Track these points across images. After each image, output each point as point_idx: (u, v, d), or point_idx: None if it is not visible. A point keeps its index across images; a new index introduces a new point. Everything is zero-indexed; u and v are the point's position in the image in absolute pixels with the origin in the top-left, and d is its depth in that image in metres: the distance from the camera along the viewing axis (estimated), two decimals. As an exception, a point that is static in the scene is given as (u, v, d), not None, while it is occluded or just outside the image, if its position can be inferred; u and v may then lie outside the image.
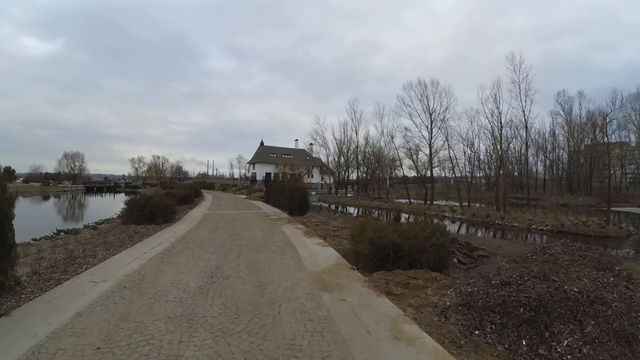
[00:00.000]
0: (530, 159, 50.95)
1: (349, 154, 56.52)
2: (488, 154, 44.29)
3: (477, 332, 4.15)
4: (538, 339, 3.94)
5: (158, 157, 78.93)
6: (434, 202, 37.78)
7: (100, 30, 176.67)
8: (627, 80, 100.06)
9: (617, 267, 5.68)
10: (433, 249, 6.44)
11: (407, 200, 40.33)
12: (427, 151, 38.71)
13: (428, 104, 37.56)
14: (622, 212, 31.94)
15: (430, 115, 37.40)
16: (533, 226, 23.75)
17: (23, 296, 4.84)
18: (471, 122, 36.23)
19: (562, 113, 56.03)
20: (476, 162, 42.27)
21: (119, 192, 65.16)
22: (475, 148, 37.32)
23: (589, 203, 44.35)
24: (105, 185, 77.42)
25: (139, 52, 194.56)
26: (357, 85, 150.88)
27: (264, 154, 74.48)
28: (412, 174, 51.67)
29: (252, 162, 76.04)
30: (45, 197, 51.38)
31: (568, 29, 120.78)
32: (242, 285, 5.29)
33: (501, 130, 30.14)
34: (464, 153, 37.83)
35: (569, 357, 3.66)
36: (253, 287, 5.15)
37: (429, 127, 37.54)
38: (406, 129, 40.95)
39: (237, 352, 3.31)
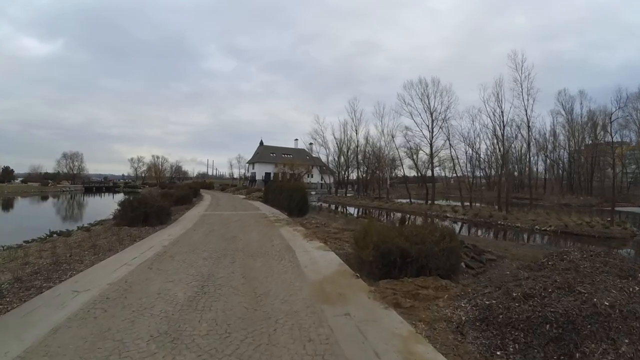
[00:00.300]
0: (530, 158, 50.44)
1: (349, 154, 56.11)
2: (488, 153, 43.96)
3: (499, 353, 3.68)
4: (567, 360, 3.49)
5: (157, 157, 78.74)
6: (435, 202, 37.32)
7: (100, 30, 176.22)
8: (627, 80, 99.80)
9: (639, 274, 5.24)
10: (442, 254, 5.97)
11: (408, 200, 39.86)
12: (427, 150, 38.27)
13: (429, 103, 37.08)
14: (624, 212, 31.48)
15: (431, 114, 36.93)
16: (536, 227, 23.34)
17: (0, 307, 4.46)
18: (473, 121, 35.91)
19: (563, 112, 55.62)
20: (477, 162, 41.90)
21: (118, 192, 64.72)
22: (477, 147, 36.92)
23: (590, 203, 44.07)
24: (104, 186, 77.08)
25: (138, 52, 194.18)
26: (356, 85, 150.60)
27: (264, 153, 74.04)
28: (412, 173, 51.39)
29: (252, 162, 75.60)
30: (44, 198, 50.97)
31: (568, 28, 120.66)
32: (236, 296, 4.80)
33: (503, 130, 29.75)
34: (465, 153, 37.38)
35: (606, 383, 3.22)
36: (247, 299, 4.67)
37: (430, 126, 37.07)
38: (407, 128, 40.53)
39: (225, 382, 2.84)
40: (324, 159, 61.25)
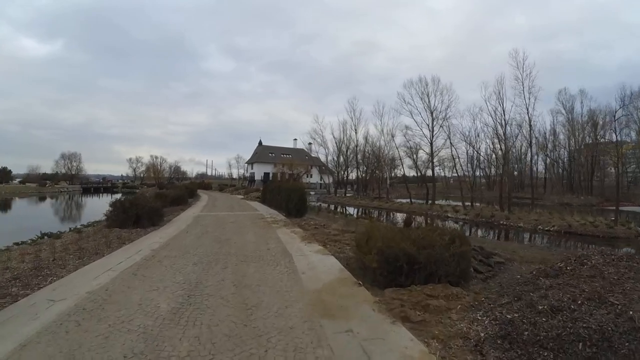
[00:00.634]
0: (532, 157, 50.03)
1: (348, 153, 55.67)
2: (488, 153, 43.53)
3: (527, 379, 3.18)
4: (607, 387, 3.00)
5: (156, 157, 78.32)
6: (435, 202, 36.86)
7: (100, 30, 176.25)
8: (628, 80, 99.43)
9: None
10: (453, 259, 5.47)
11: (408, 200, 39.40)
12: (428, 150, 37.83)
13: (429, 102, 36.63)
14: (625, 211, 31.00)
15: (432, 113, 36.48)
16: (539, 227, 22.92)
17: (-28, 317, 3.98)
18: (474, 120, 35.38)
19: (563, 111, 55.29)
20: (476, 162, 41.42)
21: (116, 192, 64.30)
22: (477, 147, 36.48)
23: (591, 202, 43.81)
24: (102, 186, 76.72)
25: (138, 52, 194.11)
26: (356, 85, 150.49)
27: (262, 153, 73.56)
28: (412, 173, 50.95)
29: (251, 162, 75.12)
30: (42, 198, 50.96)
31: (567, 28, 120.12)
32: (224, 308, 4.28)
33: (505, 128, 29.30)
34: (467, 152, 36.93)
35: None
36: (237, 312, 4.14)
37: (430, 125, 36.62)
38: (407, 127, 40.13)
39: None
40: (323, 158, 60.79)
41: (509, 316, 3.97)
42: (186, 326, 3.79)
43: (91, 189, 70.96)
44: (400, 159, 45.90)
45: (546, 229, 22.41)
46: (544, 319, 3.65)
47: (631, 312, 3.60)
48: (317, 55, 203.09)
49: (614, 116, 34.48)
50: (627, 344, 3.28)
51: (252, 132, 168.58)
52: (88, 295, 4.89)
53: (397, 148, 44.44)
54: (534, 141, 36.06)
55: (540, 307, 3.91)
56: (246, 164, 77.95)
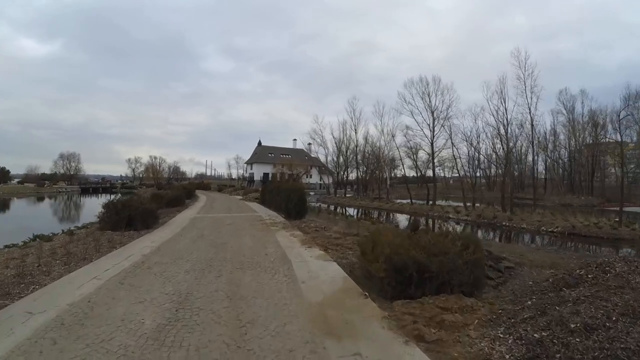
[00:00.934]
0: (530, 158, 49.70)
1: (348, 154, 55.19)
2: (488, 153, 43.13)
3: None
4: None
5: (155, 158, 77.52)
6: (436, 203, 36.44)
7: (99, 30, 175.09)
8: (627, 79, 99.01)
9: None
10: (466, 267, 5.03)
11: (409, 201, 38.98)
12: (428, 150, 37.40)
13: (430, 102, 36.20)
14: (626, 212, 30.54)
15: (432, 113, 36.04)
16: (543, 228, 22.53)
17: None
18: (475, 120, 34.97)
19: (564, 111, 54.83)
20: (476, 162, 41.02)
21: (115, 192, 63.93)
22: (479, 147, 36.10)
23: (592, 203, 43.48)
24: (101, 186, 76.25)
25: (138, 52, 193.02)
26: (356, 85, 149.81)
27: (262, 153, 73.12)
28: (412, 173, 50.50)
29: (250, 162, 74.64)
30: (40, 199, 50.77)
31: (567, 28, 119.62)
32: (215, 325, 3.82)
33: (507, 128, 28.90)
34: (468, 152, 36.53)
35: None
36: (230, 330, 3.69)
37: (431, 125, 36.18)
38: (407, 127, 39.65)
39: None
40: (322, 159, 60.29)
41: (536, 335, 3.53)
42: (171, 347, 3.34)
43: (90, 189, 70.49)
44: (401, 159, 45.48)
45: (549, 230, 22.03)
46: (577, 340, 3.22)
47: (674, 331, 3.18)
48: (317, 55, 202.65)
49: (618, 115, 33.97)
50: (673, 368, 2.87)
51: (251, 132, 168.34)
52: (69, 308, 4.46)
53: (397, 148, 44.04)
54: (535, 141, 35.66)
55: (572, 325, 3.48)
56: (245, 164, 77.49)
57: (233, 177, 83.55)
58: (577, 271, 5.73)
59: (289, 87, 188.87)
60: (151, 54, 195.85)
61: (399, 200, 42.92)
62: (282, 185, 21.74)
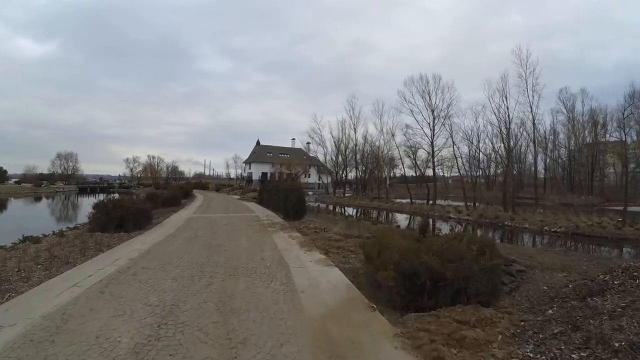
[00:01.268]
0: (530, 157, 49.38)
1: (347, 153, 54.69)
2: (488, 152, 42.72)
3: None
4: None
5: (153, 157, 77.10)
6: (436, 202, 36.00)
7: (97, 31, 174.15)
8: (624, 79, 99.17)
9: None
10: (484, 275, 4.52)
11: (408, 201, 38.51)
12: (428, 149, 36.93)
13: (430, 100, 35.70)
14: (628, 211, 30.07)
15: (432, 112, 35.53)
16: (545, 228, 22.12)
17: None
18: (476, 119, 34.50)
19: (564, 110, 54.31)
20: (476, 162, 40.57)
21: (113, 192, 63.42)
22: (480, 146, 35.67)
23: (592, 202, 43.17)
24: (99, 186, 75.79)
25: (136, 52, 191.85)
26: (354, 84, 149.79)
27: (260, 153, 72.55)
28: (411, 173, 50.04)
29: (248, 162, 74.04)
30: (37, 199, 50.28)
31: (564, 28, 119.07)
32: (202, 345, 3.29)
33: (509, 126, 28.44)
34: (469, 151, 36.08)
35: None
36: (218, 352, 3.16)
37: (431, 124, 35.69)
38: (407, 126, 39.15)
39: None
40: (321, 158, 59.70)
41: (574, 356, 3.03)
42: (148, 374, 2.83)
43: (87, 189, 69.89)
44: (401, 159, 44.99)
45: (552, 230, 21.64)
46: (626, 364, 2.71)
47: None
48: (314, 55, 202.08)
49: (623, 113, 33.58)
50: None
51: (250, 132, 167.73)
52: (41, 321, 3.97)
53: (397, 147, 43.55)
54: (537, 140, 35.20)
55: (616, 344, 2.97)
56: (244, 164, 76.95)
57: (231, 177, 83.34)
58: (601, 277, 5.25)
59: (287, 87, 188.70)
60: (149, 54, 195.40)
61: (398, 200, 42.45)
62: (281, 184, 21.20)
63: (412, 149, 39.60)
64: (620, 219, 22.12)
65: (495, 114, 29.34)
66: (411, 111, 36.79)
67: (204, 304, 4.34)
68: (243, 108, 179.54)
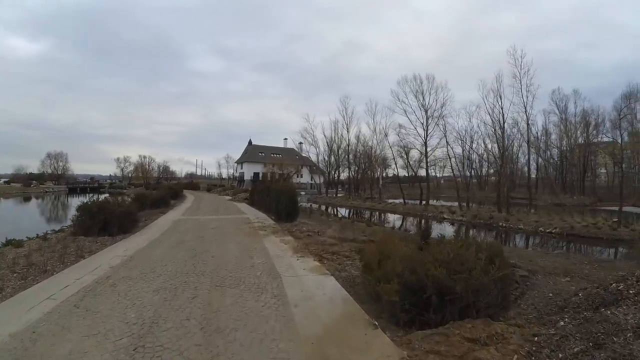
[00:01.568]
0: (522, 157, 49.47)
1: (339, 153, 54.30)
2: (480, 152, 42.69)
3: None
4: None
5: (144, 157, 75.95)
6: (429, 203, 35.82)
7: (88, 31, 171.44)
8: (617, 80, 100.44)
9: None
10: (494, 286, 4.15)
11: (401, 201, 38.30)
12: (422, 149, 36.79)
13: (424, 100, 35.55)
14: (616, 211, 30.10)
15: (426, 111, 35.43)
16: (540, 228, 21.97)
17: None
18: (470, 119, 34.36)
19: (556, 111, 54.50)
20: (468, 161, 40.44)
21: (103, 192, 62.41)
22: (474, 146, 35.58)
23: (584, 202, 43.43)
24: (89, 186, 74.51)
25: (128, 52, 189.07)
26: (346, 85, 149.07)
27: (252, 153, 71.90)
28: (403, 173, 49.93)
29: (240, 162, 73.31)
30: (26, 199, 49.39)
31: (557, 29, 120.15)
32: (181, 376, 2.87)
33: (503, 126, 28.33)
34: (462, 151, 35.97)
35: None
36: (198, 384, 2.74)
37: (425, 124, 35.57)
38: (400, 126, 39.05)
39: None
40: (314, 158, 59.25)
41: (606, 387, 2.66)
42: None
43: (77, 189, 68.60)
44: (394, 159, 44.82)
45: (548, 231, 21.51)
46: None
47: None
48: (307, 55, 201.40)
49: (619, 113, 33.71)
50: None
51: (242, 132, 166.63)
52: (8, 341, 3.58)
53: (390, 147, 43.43)
54: (531, 140, 35.21)
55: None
56: (236, 164, 76.20)
57: (223, 177, 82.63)
58: (614, 285, 4.90)
59: (279, 87, 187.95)
60: (142, 54, 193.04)
61: (391, 200, 42.21)
62: (273, 185, 20.70)
63: (405, 149, 39.51)
64: (615, 220, 22.07)
65: (489, 114, 29.31)
66: (404, 111, 36.68)
67: (187, 322, 3.88)
68: (235, 108, 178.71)
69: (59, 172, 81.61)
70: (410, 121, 36.67)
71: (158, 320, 3.94)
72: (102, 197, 12.89)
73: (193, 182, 69.65)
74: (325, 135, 55.90)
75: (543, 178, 55.78)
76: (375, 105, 49.08)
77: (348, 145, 52.81)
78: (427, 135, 35.33)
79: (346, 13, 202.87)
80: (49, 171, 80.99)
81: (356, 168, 55.02)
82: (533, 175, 56.19)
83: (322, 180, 60.56)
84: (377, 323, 3.82)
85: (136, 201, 17.76)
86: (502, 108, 28.14)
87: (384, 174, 56.19)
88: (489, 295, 4.08)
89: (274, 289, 5.11)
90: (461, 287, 3.83)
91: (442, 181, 74.04)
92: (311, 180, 63.77)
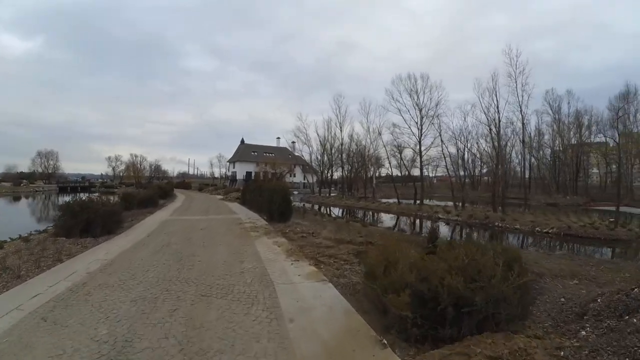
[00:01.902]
0: (515, 157, 49.42)
1: (333, 152, 53.75)
2: (474, 152, 42.54)
3: None
4: None
5: (136, 156, 74.51)
6: (423, 202, 35.52)
7: (81, 30, 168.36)
8: (615, 80, 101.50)
9: None
10: (515, 295, 3.69)
11: (395, 200, 37.90)
12: (416, 148, 36.45)
13: (418, 99, 35.18)
14: (610, 211, 30.06)
15: (420, 111, 35.01)
16: (537, 228, 21.65)
17: None
18: (464, 119, 34.13)
19: (550, 111, 54.40)
20: (461, 161, 40.29)
21: (94, 192, 61.33)
22: (468, 145, 35.37)
23: (577, 202, 43.41)
24: (80, 185, 73.13)
25: (120, 51, 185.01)
26: (338, 84, 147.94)
27: (245, 152, 71.10)
28: (396, 172, 49.59)
29: (232, 161, 72.45)
30: (16, 198, 48.34)
31: (548, 31, 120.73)
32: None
33: (499, 126, 28.06)
34: (457, 150, 35.74)
35: None
36: None
37: (419, 123, 35.17)
38: (394, 125, 38.63)
39: None
40: (306, 157, 58.57)
41: None
42: None
43: (68, 188, 66.98)
44: (388, 158, 44.36)
45: (544, 231, 21.23)
46: None
47: None
48: (299, 55, 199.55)
49: (617, 113, 33.69)
50: None
51: (235, 131, 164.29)
52: None
53: (384, 146, 42.99)
54: (519, 141, 35.05)
55: None
56: (228, 163, 75.31)
57: (216, 176, 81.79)
58: (636, 290, 4.51)
59: (272, 87, 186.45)
60: (133, 53, 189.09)
61: (385, 200, 41.81)
62: (265, 184, 20.12)
63: (399, 148, 39.10)
64: (612, 220, 21.92)
65: (485, 112, 29.00)
66: (399, 110, 36.27)
67: (165, 341, 3.34)
68: (228, 107, 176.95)
69: (50, 171, 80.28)
70: (405, 120, 36.33)
71: (132, 339, 3.41)
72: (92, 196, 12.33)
73: (184, 182, 68.76)
74: (318, 134, 55.22)
75: (535, 178, 55.86)
76: (369, 104, 49.01)
77: (341, 145, 52.29)
78: (421, 135, 35.01)
79: (339, 13, 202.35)
80: (40, 170, 79.81)
81: (349, 167, 54.61)
82: (526, 175, 56.45)
83: (315, 179, 59.95)
84: (385, 341, 3.31)
85: (123, 200, 17.13)
86: (497, 107, 27.88)
87: (377, 174, 55.89)
88: (509, 306, 3.62)
89: (266, 299, 4.57)
90: (481, 297, 3.36)
91: (434, 181, 74.03)
92: (304, 179, 63.13)
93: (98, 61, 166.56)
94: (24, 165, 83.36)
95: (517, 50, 28.05)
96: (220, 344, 3.28)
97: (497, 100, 27.98)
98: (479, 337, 3.45)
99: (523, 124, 28.79)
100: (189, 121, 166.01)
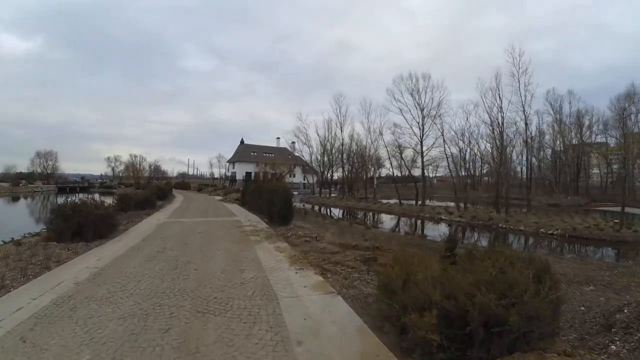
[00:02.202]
0: (516, 157, 49.11)
1: (333, 152, 53.36)
2: (474, 152, 42.23)
3: None
4: None
5: (135, 156, 74.29)
6: (425, 203, 35.17)
7: (80, 29, 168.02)
8: (615, 80, 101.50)
9: None
10: (547, 311, 3.27)
11: (396, 201, 37.52)
12: (417, 148, 36.13)
13: (419, 99, 34.87)
14: (611, 211, 29.75)
15: (422, 110, 34.78)
16: (542, 230, 21.43)
17: None
18: (467, 118, 33.78)
19: (551, 112, 54.13)
20: (462, 162, 39.95)
21: (93, 192, 60.84)
22: (470, 146, 35.04)
23: (578, 202, 43.26)
24: (79, 186, 73.17)
25: (119, 51, 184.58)
26: (338, 85, 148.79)
27: (244, 152, 70.77)
28: (396, 173, 49.24)
29: (232, 161, 72.09)
30: (15, 199, 48.39)
31: (547, 31, 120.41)
32: None
33: (502, 126, 27.66)
34: (460, 151, 35.41)
35: None
36: None
37: (420, 123, 34.94)
38: (395, 125, 38.40)
39: None
40: (307, 157, 58.14)
41: None
42: None
43: (67, 188, 66.67)
44: (389, 158, 44.01)
45: (549, 232, 21.00)
46: None
47: None
48: (299, 55, 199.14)
49: (623, 113, 33.35)
50: None
51: (234, 131, 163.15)
52: None
53: (385, 146, 42.68)
54: (520, 141, 34.67)
55: None
56: (227, 163, 74.94)
57: (215, 177, 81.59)
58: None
59: (271, 87, 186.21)
60: (133, 53, 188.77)
61: (385, 201, 41.45)
62: (265, 185, 19.66)
63: (400, 148, 38.78)
64: (617, 221, 21.62)
65: (488, 112, 28.66)
66: (400, 110, 36.06)
67: (154, 370, 2.92)
68: (227, 107, 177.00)
69: (49, 171, 79.94)
70: (406, 120, 36.08)
71: (117, 366, 2.97)
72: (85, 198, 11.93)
73: (184, 182, 68.45)
74: (318, 135, 54.86)
75: (536, 178, 55.56)
76: (369, 104, 48.34)
77: (342, 145, 51.98)
78: (422, 135, 34.71)
79: (338, 13, 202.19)
80: (39, 170, 79.57)
81: (350, 168, 54.26)
82: (523, 175, 56.16)
83: (315, 180, 59.52)
84: (408, 368, 2.88)
85: (119, 202, 16.70)
86: (500, 107, 27.54)
87: (378, 174, 55.49)
88: (541, 323, 3.20)
89: (269, 316, 4.09)
90: (517, 317, 2.93)
91: (434, 181, 73.70)
92: (304, 180, 62.76)
93: (97, 61, 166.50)
94: (23, 166, 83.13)
95: (520, 50, 27.71)
96: (218, 374, 2.83)
97: (500, 100, 27.69)
98: (509, 359, 3.04)
99: (526, 123, 28.35)
100: (188, 121, 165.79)
